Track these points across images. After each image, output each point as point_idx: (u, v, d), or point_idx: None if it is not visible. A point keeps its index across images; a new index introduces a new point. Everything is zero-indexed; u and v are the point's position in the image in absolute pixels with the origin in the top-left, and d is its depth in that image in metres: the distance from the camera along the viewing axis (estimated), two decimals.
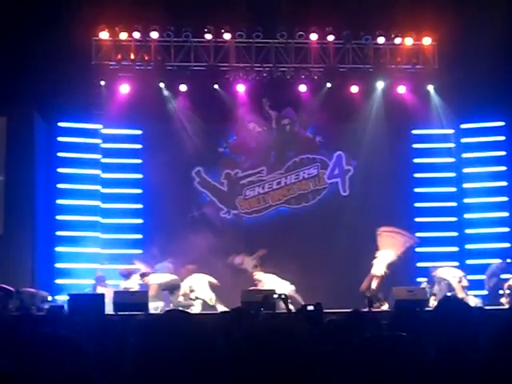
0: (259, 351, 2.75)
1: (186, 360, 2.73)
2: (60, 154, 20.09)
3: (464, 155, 21.19)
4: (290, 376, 2.73)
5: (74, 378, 3.30)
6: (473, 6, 19.01)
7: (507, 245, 20.08)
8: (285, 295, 7.77)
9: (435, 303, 16.20)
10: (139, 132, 20.87)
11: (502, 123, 20.94)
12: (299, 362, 2.77)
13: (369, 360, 2.80)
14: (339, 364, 2.94)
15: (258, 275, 18.43)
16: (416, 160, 21.30)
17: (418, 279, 19.51)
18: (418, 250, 20.33)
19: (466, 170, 21.13)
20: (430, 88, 20.87)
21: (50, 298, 17.47)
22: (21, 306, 15.81)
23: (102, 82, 20.20)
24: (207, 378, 2.77)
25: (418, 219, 20.90)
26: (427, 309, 14.64)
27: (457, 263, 19.81)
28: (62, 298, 17.43)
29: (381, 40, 20.35)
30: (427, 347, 3.50)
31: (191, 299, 18.02)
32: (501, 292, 17.87)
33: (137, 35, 19.93)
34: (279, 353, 2.76)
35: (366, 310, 14.44)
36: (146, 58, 20.26)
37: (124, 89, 20.22)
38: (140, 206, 20.57)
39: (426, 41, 20.54)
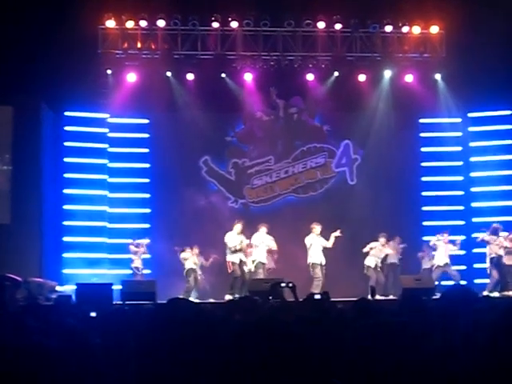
0: (263, 339, 2.75)
1: (190, 348, 2.73)
2: (67, 144, 20.11)
3: (471, 144, 21.16)
4: (294, 363, 2.73)
5: (81, 367, 3.30)
6: None
7: None
8: (293, 284, 7.74)
9: None
10: (146, 121, 20.84)
11: (509, 112, 20.91)
12: (304, 349, 2.76)
13: (369, 346, 2.79)
14: (342, 350, 2.94)
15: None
16: (423, 149, 21.29)
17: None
18: (425, 238, 20.32)
19: (473, 159, 21.10)
20: (438, 77, 20.80)
21: (57, 288, 17.50)
22: (28, 296, 15.84)
23: (109, 71, 20.18)
24: (211, 366, 2.77)
25: (425, 208, 20.90)
26: (434, 297, 14.68)
27: (463, 252, 19.83)
28: (70, 288, 17.45)
29: (388, 28, 20.30)
30: (432, 334, 3.50)
31: None
32: None
33: (143, 24, 19.87)
34: (284, 341, 2.75)
35: (370, 298, 14.50)
36: (153, 46, 20.22)
37: (131, 78, 20.19)
38: (147, 195, 20.57)
39: (434, 29, 20.47)
